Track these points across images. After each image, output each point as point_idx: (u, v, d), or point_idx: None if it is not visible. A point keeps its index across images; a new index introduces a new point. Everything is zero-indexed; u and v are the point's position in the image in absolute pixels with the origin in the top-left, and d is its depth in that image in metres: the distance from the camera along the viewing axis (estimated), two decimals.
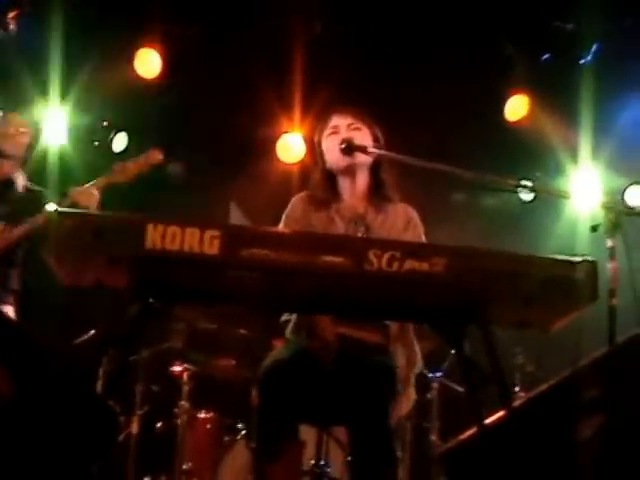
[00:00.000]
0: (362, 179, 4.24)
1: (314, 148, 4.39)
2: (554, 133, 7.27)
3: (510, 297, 2.96)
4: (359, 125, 4.24)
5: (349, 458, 3.81)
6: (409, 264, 2.93)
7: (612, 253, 3.38)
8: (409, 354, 4.10)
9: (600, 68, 7.05)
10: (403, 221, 4.19)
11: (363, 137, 4.20)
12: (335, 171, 4.24)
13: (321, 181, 4.27)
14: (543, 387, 3.44)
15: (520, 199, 7.79)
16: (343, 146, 4.10)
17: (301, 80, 6.97)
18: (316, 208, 4.21)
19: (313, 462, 4.86)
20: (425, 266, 2.93)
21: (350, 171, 4.20)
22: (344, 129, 4.22)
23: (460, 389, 6.10)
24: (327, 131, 4.28)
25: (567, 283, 2.94)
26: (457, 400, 5.97)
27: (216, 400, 6.41)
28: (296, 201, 4.29)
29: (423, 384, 6.24)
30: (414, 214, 4.25)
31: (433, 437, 6.27)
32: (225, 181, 7.62)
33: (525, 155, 7.45)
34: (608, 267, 3.36)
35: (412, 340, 4.10)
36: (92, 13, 6.78)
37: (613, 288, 3.33)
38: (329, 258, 2.93)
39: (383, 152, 4.16)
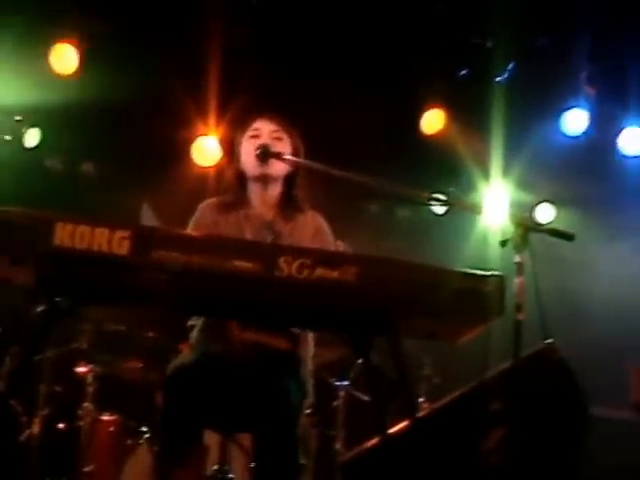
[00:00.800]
0: (274, 189, 4.19)
1: (232, 147, 4.34)
2: (468, 149, 7.36)
3: (419, 308, 2.98)
4: (282, 135, 4.19)
5: (252, 465, 3.79)
6: (319, 272, 2.94)
7: (519, 268, 3.41)
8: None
9: (514, 87, 7.16)
10: (312, 229, 4.16)
11: (283, 147, 4.15)
12: (248, 176, 4.21)
13: (233, 182, 4.22)
14: (448, 398, 3.48)
15: (433, 212, 7.87)
16: (259, 152, 4.07)
17: (217, 83, 6.93)
18: (225, 214, 4.15)
19: (216, 467, 4.83)
20: (335, 274, 2.94)
21: (263, 180, 4.15)
22: (266, 135, 4.17)
23: (366, 398, 6.13)
24: (249, 133, 4.21)
25: (475, 296, 2.97)
26: (363, 409, 5.99)
27: (121, 402, 6.34)
28: (204, 207, 4.22)
29: (329, 392, 6.26)
30: (323, 222, 4.23)
31: (338, 445, 6.28)
32: (138, 182, 7.54)
33: (439, 169, 7.53)
34: (515, 282, 3.40)
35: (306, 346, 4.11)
36: (7, 4, 6.66)
37: (519, 302, 3.36)
38: (240, 263, 2.92)
39: (298, 160, 4.14)
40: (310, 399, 4.14)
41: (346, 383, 6.37)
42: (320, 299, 3.03)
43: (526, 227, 3.48)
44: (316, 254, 3.01)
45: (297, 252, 2.98)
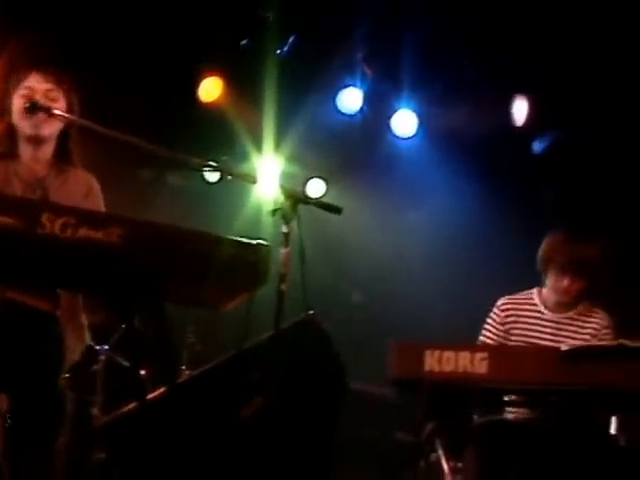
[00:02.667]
0: (47, 149, 4.05)
1: (3, 98, 4.15)
2: (243, 119, 7.37)
3: (184, 274, 2.97)
4: (56, 95, 4.02)
5: (7, 425, 3.73)
6: (83, 231, 2.88)
7: (286, 239, 3.45)
8: (78, 333, 4.05)
9: (293, 61, 7.22)
10: (84, 189, 4.07)
11: (57, 107, 4.00)
12: (19, 134, 4.03)
13: (3, 135, 4.05)
14: (207, 366, 3.48)
15: (205, 180, 7.85)
16: (27, 105, 3.91)
17: None
18: None
19: None
20: (100, 235, 2.89)
21: (34, 140, 3.99)
22: (40, 94, 3.98)
23: (127, 364, 6.05)
24: (21, 90, 4.01)
25: (241, 264, 2.98)
26: (123, 374, 5.93)
27: None
28: None
29: (89, 357, 6.14)
30: (95, 183, 4.13)
31: (95, 410, 6.18)
32: None
33: (214, 138, 7.50)
34: (282, 252, 3.43)
35: (79, 311, 4.03)
36: None
37: (283, 273, 3.39)
38: (0, 218, 2.83)
39: (70, 116, 4.02)
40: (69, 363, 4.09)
41: (107, 347, 6.27)
42: (83, 259, 2.96)
43: (295, 199, 3.53)
44: (81, 213, 2.95)
45: (61, 210, 2.92)
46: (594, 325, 5.11)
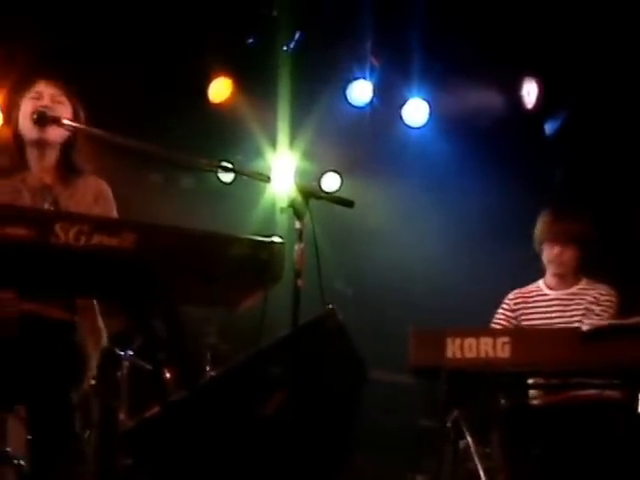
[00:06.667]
0: (52, 155, 4.07)
1: (9, 104, 4.19)
2: (255, 117, 7.38)
3: (196, 275, 2.97)
4: (62, 99, 4.08)
5: (29, 437, 3.75)
6: (97, 238, 2.90)
7: (300, 235, 3.46)
8: (94, 331, 4.06)
9: (301, 56, 7.23)
10: (93, 194, 4.08)
11: (63, 111, 4.03)
12: (25, 140, 4.07)
13: (10, 144, 4.08)
14: (228, 366, 3.49)
15: (220, 180, 7.86)
16: (36, 117, 3.94)
17: None
18: (1, 178, 4.01)
19: None
20: (114, 241, 2.91)
21: (40, 145, 4.02)
22: (47, 98, 4.03)
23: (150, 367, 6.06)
24: (29, 94, 4.06)
25: (253, 262, 2.99)
26: (147, 379, 5.94)
27: None
28: None
29: (113, 362, 6.17)
30: (105, 187, 4.15)
31: (122, 416, 6.20)
32: None
33: (227, 137, 7.52)
34: (296, 248, 3.43)
35: (96, 316, 4.05)
36: None
37: (299, 269, 3.40)
38: (13, 230, 2.84)
39: (78, 125, 4.03)
40: (93, 371, 4.11)
41: (130, 353, 6.29)
42: (98, 266, 2.97)
43: (306, 194, 3.53)
44: (94, 220, 2.97)
45: (74, 218, 2.94)
46: (595, 294, 5.18)
